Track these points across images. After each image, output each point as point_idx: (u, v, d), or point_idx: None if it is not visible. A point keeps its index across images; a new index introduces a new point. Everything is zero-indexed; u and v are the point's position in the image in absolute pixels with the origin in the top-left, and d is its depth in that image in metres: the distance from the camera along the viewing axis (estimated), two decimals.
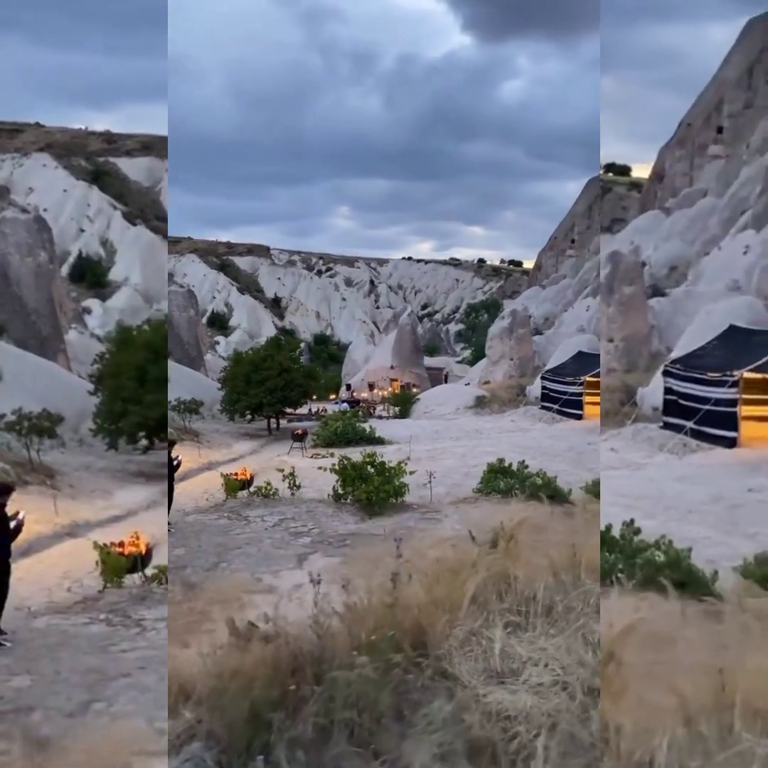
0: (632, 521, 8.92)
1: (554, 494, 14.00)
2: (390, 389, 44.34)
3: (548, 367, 31.04)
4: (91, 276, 55.27)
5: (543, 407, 29.06)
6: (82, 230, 61.95)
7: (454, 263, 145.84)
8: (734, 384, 17.38)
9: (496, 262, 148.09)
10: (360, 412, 32.64)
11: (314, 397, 36.37)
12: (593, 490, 14.17)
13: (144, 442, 20.23)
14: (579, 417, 26.40)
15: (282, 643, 2.64)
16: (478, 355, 54.18)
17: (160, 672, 7.25)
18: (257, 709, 2.27)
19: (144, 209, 68.94)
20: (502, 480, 14.55)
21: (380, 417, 34.64)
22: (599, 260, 61.87)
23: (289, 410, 31.29)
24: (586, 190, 75.74)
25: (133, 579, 10.21)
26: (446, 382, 47.98)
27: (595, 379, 27.23)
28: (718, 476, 14.76)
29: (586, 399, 26.87)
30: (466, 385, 42.15)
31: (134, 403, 18.54)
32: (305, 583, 9.62)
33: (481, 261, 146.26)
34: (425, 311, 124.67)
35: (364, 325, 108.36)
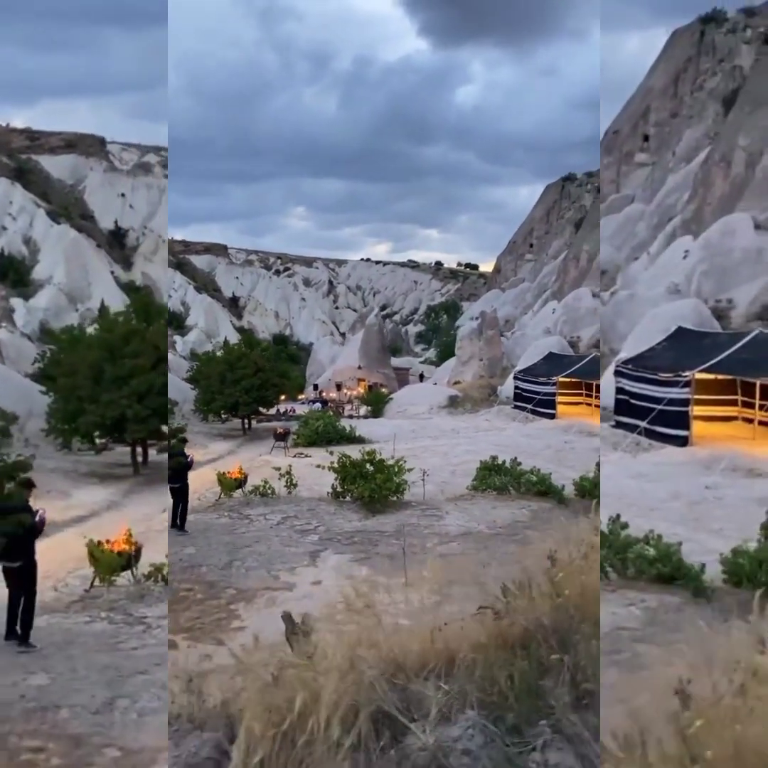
0: (618, 517, 9.20)
1: (548, 491, 14.40)
2: (358, 389, 44.43)
3: (520, 367, 31.66)
4: (14, 275, 53.91)
5: (516, 407, 29.61)
6: (5, 228, 60.16)
7: (412, 265, 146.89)
8: (686, 384, 17.83)
9: (453, 265, 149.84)
10: (331, 412, 32.61)
11: (283, 397, 36.19)
12: (582, 486, 14.61)
13: (93, 442, 19.82)
14: (552, 416, 27.02)
15: (517, 618, 2.75)
16: (443, 355, 54.76)
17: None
18: (524, 677, 2.38)
19: (68, 207, 67.39)
20: (496, 477, 14.85)
21: (350, 416, 34.63)
22: (558, 264, 63.43)
23: (261, 410, 31.04)
24: (544, 196, 77.43)
25: (126, 577, 10.08)
26: (422, 380, 48.30)
27: (567, 379, 27.96)
28: (674, 474, 15.07)
29: (559, 399, 27.55)
30: (434, 384, 42.54)
31: (91, 403, 18.15)
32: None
33: (439, 263, 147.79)
34: (384, 312, 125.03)
35: (323, 325, 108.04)
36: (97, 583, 10.00)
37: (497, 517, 13.11)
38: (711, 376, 18.84)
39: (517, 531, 12.52)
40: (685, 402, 17.71)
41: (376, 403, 33.70)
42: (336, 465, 14.08)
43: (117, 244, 74.66)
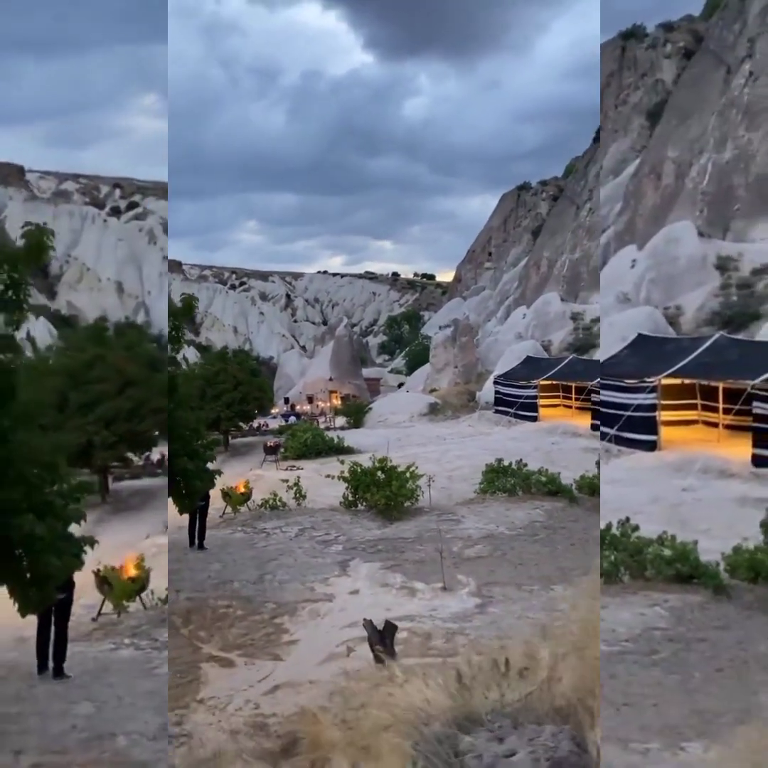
0: (628, 519, 9.22)
1: (558, 490, 14.53)
2: (330, 401, 44.15)
3: (498, 372, 31.98)
4: None
5: (497, 411, 29.86)
6: None
7: (370, 277, 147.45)
8: (653, 389, 17.97)
9: (410, 276, 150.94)
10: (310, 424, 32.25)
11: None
12: (591, 484, 14.81)
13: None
14: (535, 419, 27.32)
15: None
16: (412, 364, 54.99)
17: (202, 689, 7.01)
18: None
19: None
20: (505, 479, 14.89)
21: (327, 428, 34.36)
22: (519, 271, 64.59)
23: (241, 424, 30.51)
24: (501, 205, 78.77)
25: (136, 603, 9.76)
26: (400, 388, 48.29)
27: (544, 382, 28.35)
28: (647, 479, 15.15)
29: (541, 402, 27.91)
30: (407, 392, 42.63)
31: (55, 430, 17.55)
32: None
33: (396, 274, 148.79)
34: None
35: (283, 339, 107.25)
36: (104, 610, 9.65)
37: (514, 518, 13.14)
38: (672, 381, 18.97)
39: (537, 531, 12.59)
40: (653, 407, 17.85)
41: (355, 413, 33.54)
42: (347, 474, 13.91)
43: (40, 273, 72.75)
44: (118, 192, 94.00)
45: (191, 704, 6.60)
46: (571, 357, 29.43)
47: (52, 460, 5.85)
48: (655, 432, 17.67)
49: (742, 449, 15.75)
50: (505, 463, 15.44)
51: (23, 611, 5.72)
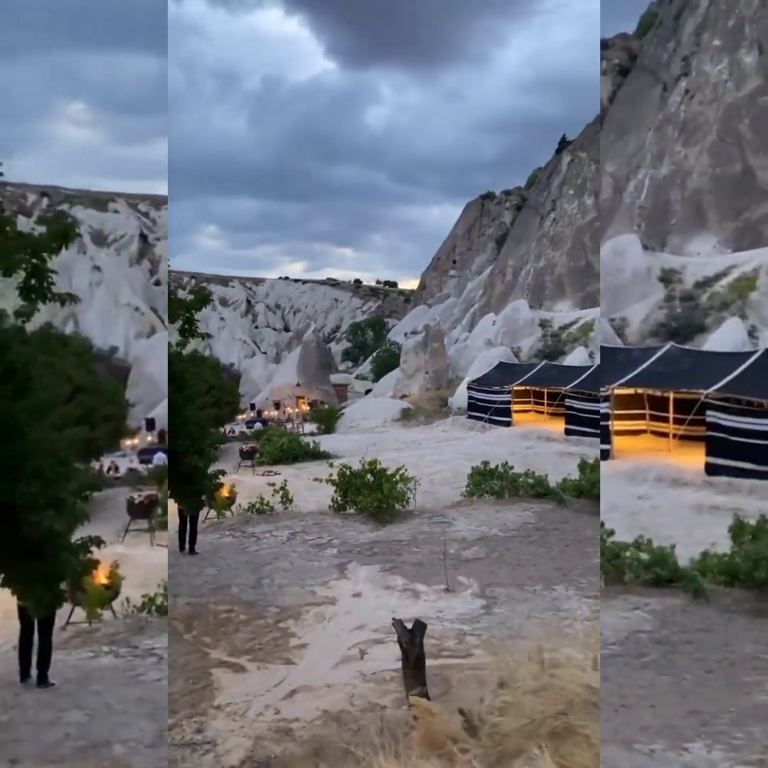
0: (602, 524, 9.26)
1: (546, 493, 14.62)
2: (298, 407, 43.74)
3: (470, 378, 32.16)
4: None
5: (471, 416, 29.99)
6: None
7: (332, 283, 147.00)
8: (606, 399, 17.98)
9: (371, 283, 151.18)
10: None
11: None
12: (579, 487, 14.98)
13: None
14: (508, 424, 27.54)
15: None
16: (380, 370, 54.95)
17: (218, 695, 6.80)
18: None
19: None
20: (492, 482, 14.91)
21: (299, 434, 34.01)
22: (483, 280, 65.30)
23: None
24: (465, 213, 79.60)
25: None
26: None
27: (519, 388, 28.64)
28: (604, 487, 14.88)
29: (514, 407, 28.17)
30: (375, 398, 42.53)
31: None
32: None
33: (358, 281, 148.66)
34: None
35: (245, 345, 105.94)
36: (74, 618, 9.26)
37: (506, 520, 13.15)
38: (622, 391, 18.94)
39: (530, 533, 12.61)
40: (606, 416, 17.86)
41: (327, 419, 33.29)
42: (336, 477, 13.74)
43: None
44: (45, 201, 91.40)
45: (209, 710, 6.34)
46: (543, 363, 29.80)
47: (67, 455, 5.57)
48: (608, 441, 17.69)
49: (693, 458, 15.89)
50: (491, 466, 15.47)
51: (37, 613, 5.40)
